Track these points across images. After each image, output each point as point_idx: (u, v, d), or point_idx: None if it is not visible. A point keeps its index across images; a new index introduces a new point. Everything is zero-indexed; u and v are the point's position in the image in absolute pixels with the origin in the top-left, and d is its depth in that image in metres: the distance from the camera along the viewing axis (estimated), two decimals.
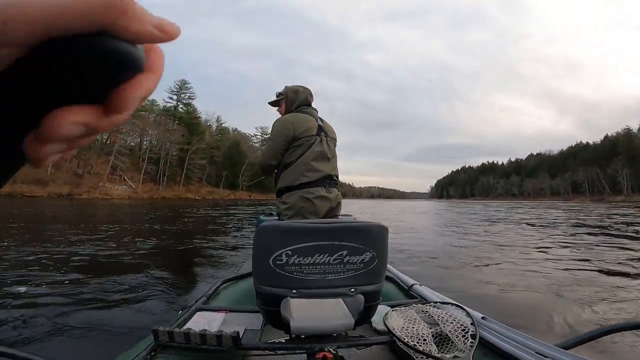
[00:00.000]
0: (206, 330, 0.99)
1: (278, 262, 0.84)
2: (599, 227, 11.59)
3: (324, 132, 1.94)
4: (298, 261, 0.84)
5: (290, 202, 1.86)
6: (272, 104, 2.12)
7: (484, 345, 1.03)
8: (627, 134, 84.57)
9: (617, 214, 18.60)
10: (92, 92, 0.15)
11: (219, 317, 1.24)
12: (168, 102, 57.97)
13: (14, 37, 0.12)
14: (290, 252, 0.84)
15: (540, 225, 12.39)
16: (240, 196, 55.34)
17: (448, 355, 0.91)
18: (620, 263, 5.21)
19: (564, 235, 9.14)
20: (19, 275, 4.00)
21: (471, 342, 0.94)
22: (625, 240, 7.81)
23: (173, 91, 59.25)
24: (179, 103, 58.50)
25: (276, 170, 1.99)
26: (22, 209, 13.26)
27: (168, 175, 48.11)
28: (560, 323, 3.13)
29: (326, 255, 0.85)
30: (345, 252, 0.85)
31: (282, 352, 1.01)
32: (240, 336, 1.06)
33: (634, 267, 4.92)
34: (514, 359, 0.93)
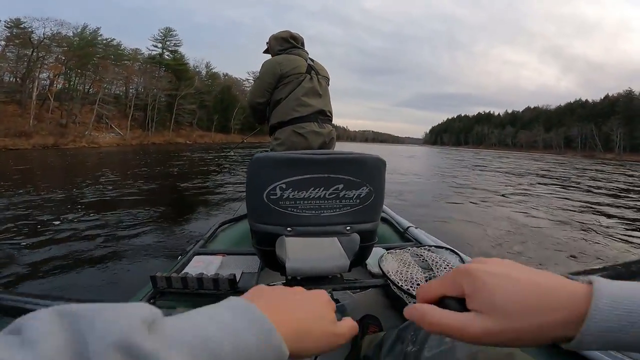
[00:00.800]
0: (203, 274, 0.98)
1: (272, 197, 0.79)
2: (563, 179, 12.69)
3: (314, 70, 1.96)
4: (293, 195, 0.80)
5: (282, 137, 1.89)
6: (266, 52, 2.16)
7: None
8: (628, 95, 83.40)
9: (594, 170, 19.33)
10: None
11: (216, 260, 1.24)
12: (153, 51, 56.74)
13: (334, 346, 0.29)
14: (284, 186, 0.79)
15: (512, 174, 13.90)
16: (233, 139, 55.08)
17: None
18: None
19: (526, 185, 10.35)
20: (20, 226, 4.00)
21: None
22: (579, 194, 8.76)
23: (157, 39, 57.59)
24: (164, 51, 57.14)
25: (267, 110, 2.02)
26: (9, 162, 12.98)
27: (157, 121, 46.87)
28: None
29: (321, 189, 0.80)
30: (341, 186, 0.81)
31: None
32: (237, 279, 1.05)
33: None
34: None
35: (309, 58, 2.01)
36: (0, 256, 3.11)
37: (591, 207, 6.72)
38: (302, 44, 2.07)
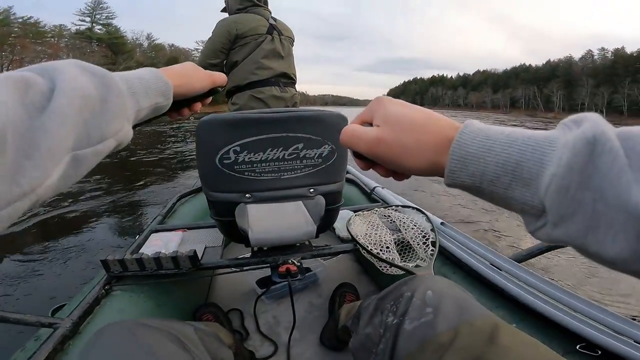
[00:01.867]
0: (161, 253, 0.89)
1: (225, 162, 0.72)
2: None
3: (276, 30, 1.81)
4: (249, 158, 0.73)
5: (239, 102, 1.77)
6: (223, 11, 1.97)
7: (442, 253, 1.03)
8: (568, 61, 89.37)
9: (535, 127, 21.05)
10: (204, 98, 0.54)
11: (175, 236, 1.14)
12: (81, 26, 52.43)
13: (213, 84, 0.53)
14: (238, 149, 0.71)
15: None
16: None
17: (410, 264, 0.88)
18: None
19: None
20: None
21: (432, 251, 0.92)
22: None
23: (85, 13, 53.14)
24: (94, 25, 52.84)
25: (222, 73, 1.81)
26: None
27: None
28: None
29: (280, 150, 0.74)
30: (301, 146, 0.74)
31: (244, 268, 0.96)
32: (200, 255, 0.99)
33: None
34: (470, 269, 0.92)
35: (272, 17, 1.84)
36: None
37: None
38: (265, 2, 1.89)
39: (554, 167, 0.21)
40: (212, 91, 0.53)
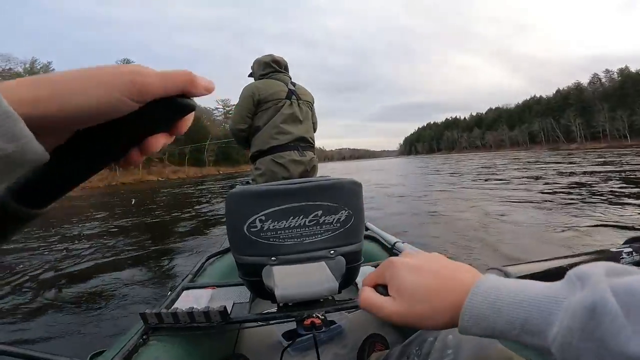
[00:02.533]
0: (193, 308, 0.97)
1: (252, 230, 0.81)
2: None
3: (295, 95, 1.91)
4: (273, 226, 0.81)
5: (262, 167, 1.84)
6: (250, 76, 2.12)
7: None
8: (578, 88, 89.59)
9: (543, 161, 21.01)
10: (170, 124, 0.25)
11: (206, 293, 1.24)
12: None
13: (147, 95, 0.21)
14: (263, 218, 0.80)
15: (458, 174, 15.74)
16: (208, 172, 54.20)
17: None
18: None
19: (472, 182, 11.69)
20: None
21: None
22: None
23: None
24: None
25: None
26: None
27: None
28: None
29: (301, 217, 0.82)
30: (320, 212, 0.83)
31: (271, 322, 1.02)
32: (229, 310, 1.05)
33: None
34: None
35: (291, 82, 1.95)
36: None
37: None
38: (286, 68, 2.02)
39: (557, 327, 0.25)
40: (176, 106, 0.24)
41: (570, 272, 0.27)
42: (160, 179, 45.26)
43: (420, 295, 0.33)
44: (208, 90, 0.24)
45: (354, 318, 1.44)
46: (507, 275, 0.45)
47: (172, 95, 0.23)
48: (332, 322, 1.36)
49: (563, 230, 4.36)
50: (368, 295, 0.37)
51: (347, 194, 0.85)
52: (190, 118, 0.26)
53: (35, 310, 2.91)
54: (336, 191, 0.84)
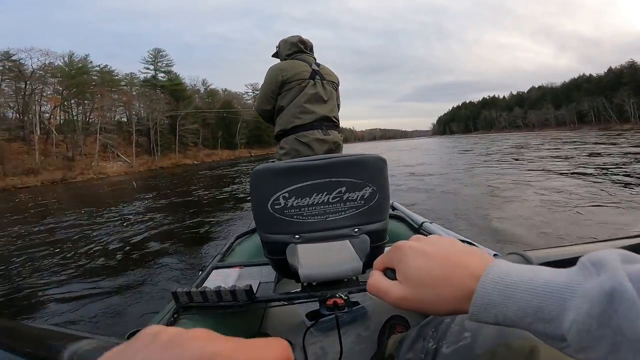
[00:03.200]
0: (221, 287, 0.98)
1: (276, 207, 0.81)
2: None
3: (319, 75, 1.91)
4: (297, 203, 0.81)
5: (286, 146, 1.86)
6: (274, 56, 2.14)
7: None
8: (632, 66, 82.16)
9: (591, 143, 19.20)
10: None
11: (234, 272, 1.26)
12: (146, 73, 56.98)
13: None
14: (287, 195, 0.80)
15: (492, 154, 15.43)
16: (240, 154, 55.43)
17: None
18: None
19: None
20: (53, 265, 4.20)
21: None
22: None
23: (148, 61, 57.94)
24: (157, 72, 57.50)
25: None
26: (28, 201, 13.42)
27: (161, 145, 47.05)
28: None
29: (324, 194, 0.81)
30: (343, 189, 0.81)
31: (295, 301, 1.02)
32: (255, 290, 1.06)
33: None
34: None
35: (315, 62, 1.96)
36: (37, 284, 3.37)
37: None
38: (311, 50, 2.04)
39: (574, 313, 0.24)
40: None
41: (583, 258, 0.26)
42: (195, 162, 46.61)
43: (425, 281, 0.32)
44: None
45: (378, 300, 1.42)
46: (528, 260, 0.42)
47: None
48: (356, 303, 1.33)
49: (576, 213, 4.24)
50: (375, 279, 0.36)
51: (371, 170, 0.83)
52: None
53: (77, 290, 3.18)
54: (360, 167, 0.82)
